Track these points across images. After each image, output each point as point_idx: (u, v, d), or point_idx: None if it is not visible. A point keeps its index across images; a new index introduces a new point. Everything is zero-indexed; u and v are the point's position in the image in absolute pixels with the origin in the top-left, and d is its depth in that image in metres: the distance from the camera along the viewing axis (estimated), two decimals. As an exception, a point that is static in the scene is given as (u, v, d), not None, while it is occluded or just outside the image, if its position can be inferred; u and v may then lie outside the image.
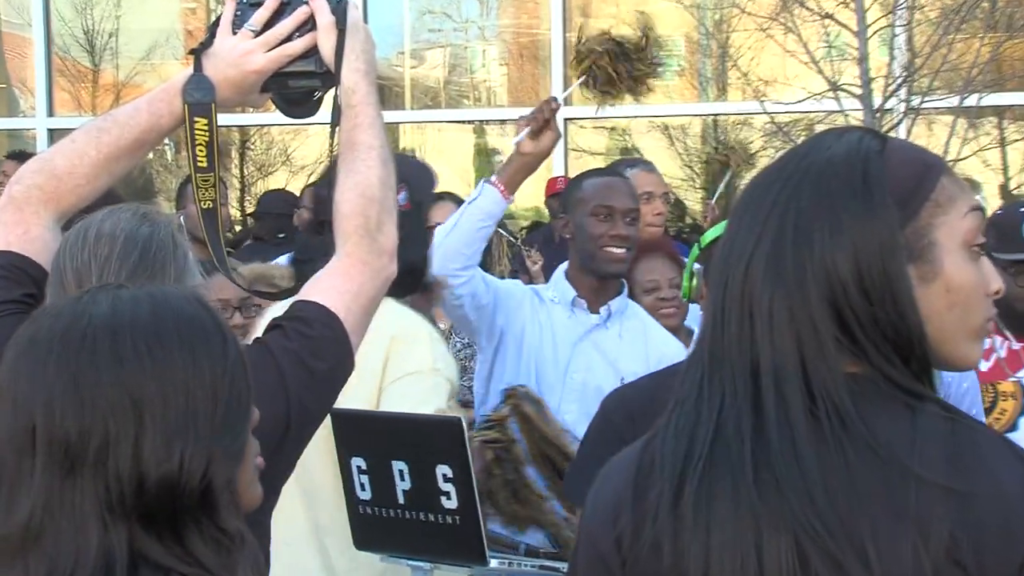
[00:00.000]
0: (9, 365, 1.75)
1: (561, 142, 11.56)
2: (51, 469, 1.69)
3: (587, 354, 4.45)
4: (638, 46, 4.76)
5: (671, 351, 4.36)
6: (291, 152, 12.65)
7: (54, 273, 2.54)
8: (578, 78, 4.81)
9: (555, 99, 4.43)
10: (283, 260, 6.55)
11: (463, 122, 12.73)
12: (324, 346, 2.49)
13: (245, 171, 13.04)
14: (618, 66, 4.72)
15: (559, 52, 11.18)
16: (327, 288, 2.54)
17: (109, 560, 1.67)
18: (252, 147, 13.03)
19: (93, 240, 2.53)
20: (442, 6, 12.62)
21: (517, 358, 4.44)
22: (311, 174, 11.89)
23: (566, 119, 10.85)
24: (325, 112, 2.74)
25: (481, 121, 12.71)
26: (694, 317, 5.50)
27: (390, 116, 12.94)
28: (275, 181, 12.27)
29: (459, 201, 5.59)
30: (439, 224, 5.35)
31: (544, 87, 11.68)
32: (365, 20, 2.75)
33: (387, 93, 12.74)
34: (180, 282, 2.51)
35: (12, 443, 1.71)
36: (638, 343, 4.47)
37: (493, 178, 4.38)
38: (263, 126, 12.46)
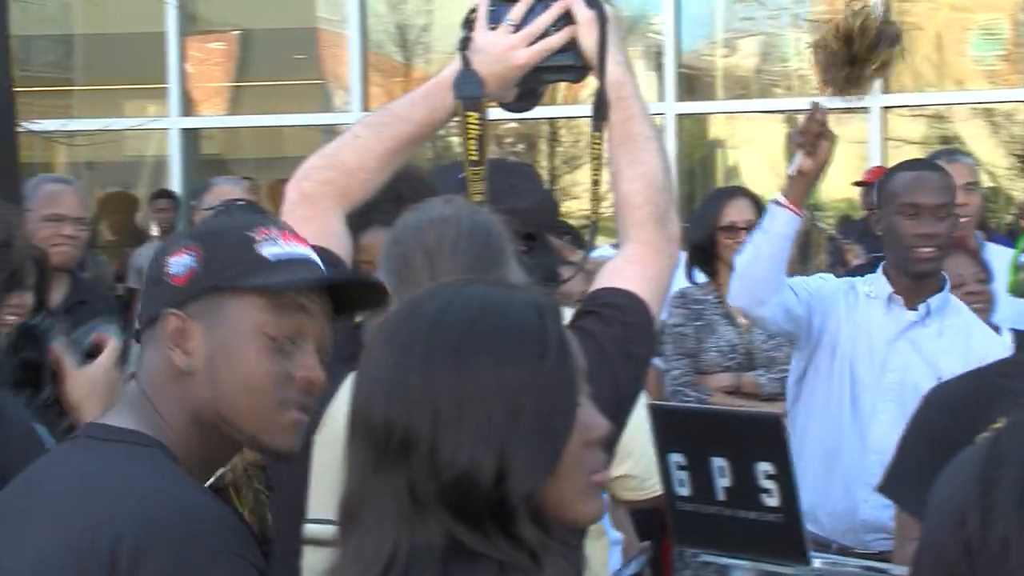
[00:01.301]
0: (364, 350, 1.83)
1: (879, 131, 11.47)
2: (364, 457, 1.73)
3: (904, 353, 4.33)
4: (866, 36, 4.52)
5: (995, 350, 4.18)
6: (599, 144, 12.66)
7: (394, 258, 2.59)
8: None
9: (819, 106, 4.31)
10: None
11: (775, 112, 12.60)
12: (639, 332, 2.57)
13: (553, 164, 13.15)
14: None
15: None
16: (630, 276, 2.63)
17: (415, 550, 1.68)
18: (560, 140, 13.12)
19: (440, 223, 2.58)
20: (754, -7, 12.59)
21: (831, 358, 4.36)
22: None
23: (883, 107, 10.63)
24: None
25: (793, 111, 12.54)
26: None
27: (701, 107, 12.99)
28: (583, 175, 12.33)
29: (752, 196, 5.51)
30: (733, 222, 5.27)
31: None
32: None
33: (698, 83, 12.69)
34: (512, 272, 2.54)
35: (350, 426, 1.76)
36: (959, 342, 4.33)
37: (780, 198, 4.31)
38: (572, 118, 12.51)
